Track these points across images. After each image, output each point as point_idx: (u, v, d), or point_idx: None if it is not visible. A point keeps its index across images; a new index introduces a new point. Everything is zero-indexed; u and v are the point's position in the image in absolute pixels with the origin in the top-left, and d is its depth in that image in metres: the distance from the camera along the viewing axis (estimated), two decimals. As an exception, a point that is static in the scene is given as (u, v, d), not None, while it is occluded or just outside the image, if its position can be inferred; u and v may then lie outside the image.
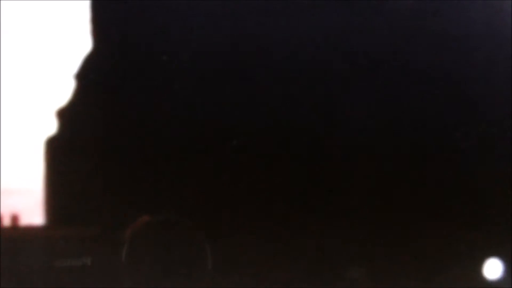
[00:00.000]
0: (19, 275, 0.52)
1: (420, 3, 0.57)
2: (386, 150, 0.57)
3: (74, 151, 0.54)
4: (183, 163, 0.55)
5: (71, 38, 0.54)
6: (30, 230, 0.53)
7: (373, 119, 0.57)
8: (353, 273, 0.57)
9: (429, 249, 0.57)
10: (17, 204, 0.53)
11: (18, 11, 0.54)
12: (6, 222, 0.53)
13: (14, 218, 0.53)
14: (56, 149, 0.54)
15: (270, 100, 0.56)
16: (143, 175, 0.54)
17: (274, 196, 0.55)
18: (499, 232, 0.58)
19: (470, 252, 0.58)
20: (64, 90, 0.54)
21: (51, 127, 0.54)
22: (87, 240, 0.53)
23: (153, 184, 0.54)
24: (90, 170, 0.54)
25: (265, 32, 0.56)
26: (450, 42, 0.57)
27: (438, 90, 0.57)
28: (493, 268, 0.58)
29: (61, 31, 0.54)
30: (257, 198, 0.55)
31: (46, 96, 0.54)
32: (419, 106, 0.57)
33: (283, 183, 0.55)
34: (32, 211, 0.53)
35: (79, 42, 0.54)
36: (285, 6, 0.56)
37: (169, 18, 0.55)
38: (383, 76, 0.57)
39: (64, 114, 0.54)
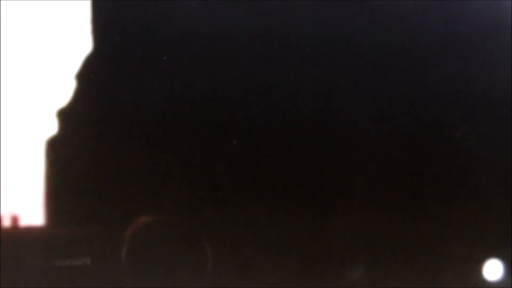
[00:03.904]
0: (19, 275, 0.52)
1: (420, 3, 0.57)
2: (386, 150, 0.57)
3: (74, 151, 0.54)
4: (183, 163, 0.55)
5: (71, 38, 0.54)
6: (30, 230, 0.53)
7: (373, 118, 0.57)
8: (353, 273, 0.57)
9: (429, 249, 0.57)
10: (17, 204, 0.53)
11: (18, 11, 0.54)
12: (6, 222, 0.53)
13: (14, 218, 0.53)
14: (56, 149, 0.54)
15: (270, 100, 0.56)
16: (143, 175, 0.54)
17: (274, 196, 0.55)
18: (499, 233, 0.58)
19: (470, 253, 0.58)
20: (64, 90, 0.54)
21: (51, 127, 0.54)
22: (87, 240, 0.53)
23: (153, 184, 0.54)
24: (90, 170, 0.54)
25: (266, 31, 0.56)
26: (450, 42, 0.57)
27: (438, 89, 0.57)
28: (493, 269, 0.58)
29: (61, 31, 0.54)
30: (257, 198, 0.55)
31: (46, 96, 0.54)
32: (419, 106, 0.57)
33: (284, 183, 0.56)
34: (32, 211, 0.53)
35: (79, 42, 0.54)
36: (284, 5, 0.56)
37: (169, 18, 0.55)
38: (383, 76, 0.57)
39: (64, 114, 0.54)
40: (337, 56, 0.56)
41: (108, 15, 0.55)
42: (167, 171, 0.54)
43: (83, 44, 0.54)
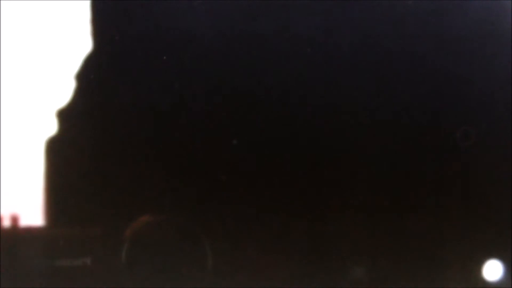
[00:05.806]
0: (19, 275, 0.52)
1: (420, 3, 0.57)
2: (386, 150, 0.57)
3: (74, 151, 0.54)
4: (183, 163, 0.55)
5: (71, 38, 0.54)
6: (30, 230, 0.53)
7: (373, 118, 0.57)
8: (354, 273, 0.56)
9: (429, 249, 0.57)
10: (17, 204, 0.53)
11: (18, 11, 0.54)
12: (6, 222, 0.53)
13: (14, 218, 0.53)
14: (56, 149, 0.54)
15: (270, 100, 0.56)
16: (143, 175, 0.54)
17: (274, 195, 0.55)
18: (499, 233, 0.58)
19: (470, 253, 0.58)
20: (64, 90, 0.54)
21: (51, 127, 0.54)
22: (87, 240, 0.53)
23: (153, 184, 0.54)
24: (90, 170, 0.54)
25: (266, 31, 0.56)
26: (450, 42, 0.57)
27: (438, 89, 0.57)
28: (493, 269, 0.58)
29: (61, 31, 0.54)
30: (257, 197, 0.55)
31: (46, 96, 0.54)
32: (419, 105, 0.57)
33: (283, 183, 0.56)
34: (32, 211, 0.53)
35: (79, 42, 0.54)
36: (285, 5, 0.56)
37: (169, 18, 0.55)
38: (382, 75, 0.57)
39: (64, 114, 0.54)
40: (337, 56, 0.56)
41: (108, 15, 0.55)
42: (167, 171, 0.54)
43: (83, 44, 0.54)
